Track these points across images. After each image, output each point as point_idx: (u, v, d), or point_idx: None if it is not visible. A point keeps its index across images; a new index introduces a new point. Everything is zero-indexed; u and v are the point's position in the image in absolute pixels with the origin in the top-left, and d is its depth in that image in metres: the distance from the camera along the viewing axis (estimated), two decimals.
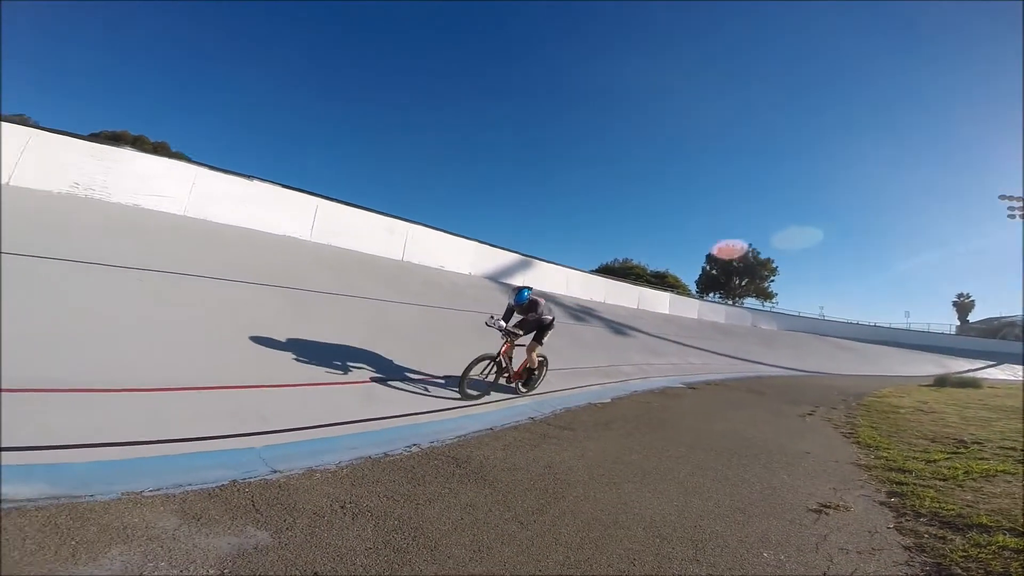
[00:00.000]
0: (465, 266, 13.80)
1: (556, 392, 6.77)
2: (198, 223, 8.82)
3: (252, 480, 2.99)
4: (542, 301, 6.33)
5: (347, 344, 6.11)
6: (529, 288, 6.28)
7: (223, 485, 2.87)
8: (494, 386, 6.00)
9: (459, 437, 4.34)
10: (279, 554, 2.32)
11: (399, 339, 6.89)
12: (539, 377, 6.70)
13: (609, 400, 6.87)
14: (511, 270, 15.29)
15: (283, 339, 5.58)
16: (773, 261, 47.67)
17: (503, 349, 6.00)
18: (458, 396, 5.49)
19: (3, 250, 4.97)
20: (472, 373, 5.58)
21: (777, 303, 44.36)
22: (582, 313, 14.90)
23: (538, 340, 6.34)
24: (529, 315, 6.19)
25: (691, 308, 24.05)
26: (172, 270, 6.35)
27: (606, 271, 38.07)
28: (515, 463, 3.94)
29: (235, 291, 6.57)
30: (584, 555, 2.71)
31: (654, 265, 46.17)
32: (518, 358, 6.26)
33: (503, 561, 2.55)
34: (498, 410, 5.48)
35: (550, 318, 6.38)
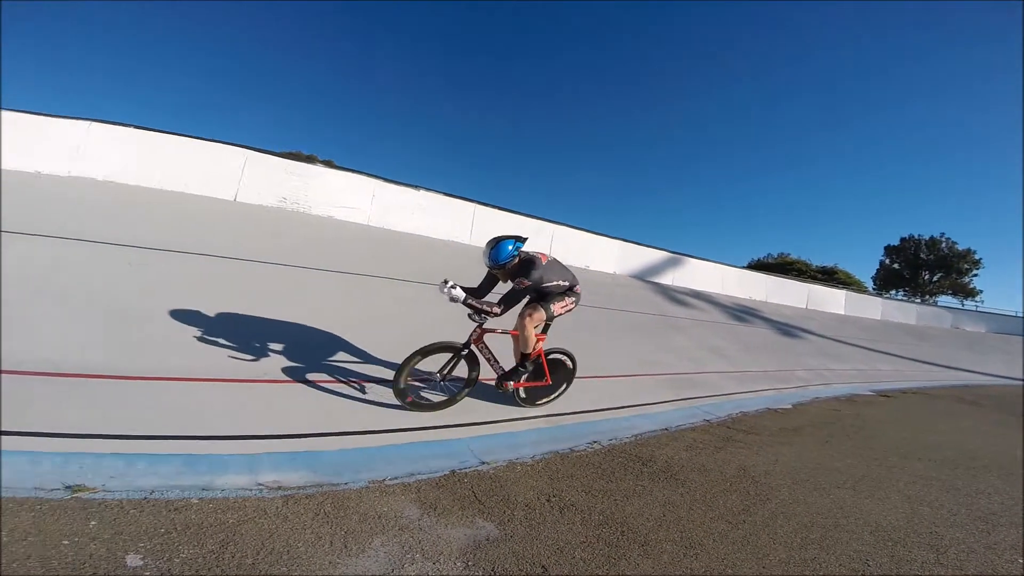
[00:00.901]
0: (611, 265, 13.54)
1: (727, 396, 6.24)
2: (382, 232, 9.69)
3: (467, 471, 3.10)
4: (543, 260, 4.03)
5: None
6: (517, 240, 3.90)
7: (445, 475, 3.00)
8: (469, 387, 4.06)
9: (635, 436, 4.20)
10: (508, 547, 2.38)
11: (558, 339, 6.79)
12: (553, 390, 4.52)
13: (790, 406, 6.19)
14: (658, 268, 14.68)
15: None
16: (975, 252, 39.91)
17: (473, 336, 3.99)
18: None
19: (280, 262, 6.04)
20: (419, 366, 3.80)
21: (982, 301, 37.12)
22: (743, 313, 13.78)
23: (535, 307, 4.05)
24: (518, 281, 3.88)
25: (872, 307, 20.92)
26: (380, 275, 6.98)
27: (761, 267, 34.95)
28: (703, 464, 3.78)
29: (412, 291, 6.99)
30: (809, 554, 2.67)
31: (817, 260, 41.13)
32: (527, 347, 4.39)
33: (720, 557, 2.53)
34: (664, 412, 5.16)
35: (564, 284, 4.15)
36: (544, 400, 4.48)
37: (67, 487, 2.20)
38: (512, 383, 4.14)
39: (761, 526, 2.91)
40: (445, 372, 3.92)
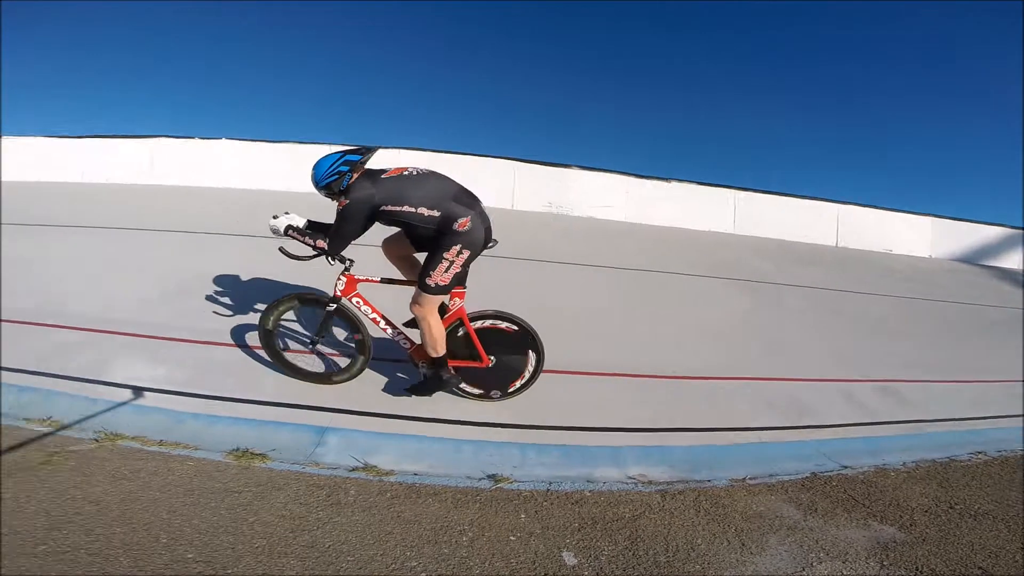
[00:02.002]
0: (923, 247, 11.06)
1: None
2: (641, 227, 9.78)
3: (830, 474, 2.86)
4: (395, 172, 2.84)
5: (830, 339, 5.20)
6: (352, 152, 2.81)
7: (807, 477, 2.80)
8: (364, 356, 3.15)
9: None
10: (925, 549, 2.27)
11: (903, 336, 5.57)
12: (507, 374, 3.19)
13: None
14: (996, 250, 11.44)
15: (780, 335, 5.18)
16: None
17: (338, 287, 3.01)
18: None
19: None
20: (281, 319, 3.14)
21: None
22: None
23: (427, 273, 2.77)
24: (339, 202, 2.76)
25: None
26: (669, 270, 6.94)
27: None
28: None
29: (704, 285, 6.65)
30: None
31: None
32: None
33: None
34: None
35: (428, 214, 2.72)
36: (516, 387, 3.21)
37: (489, 476, 2.60)
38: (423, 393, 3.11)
39: None
40: (317, 334, 3.10)
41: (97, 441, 2.60)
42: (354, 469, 2.55)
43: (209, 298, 4.24)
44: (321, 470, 2.52)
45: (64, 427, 2.74)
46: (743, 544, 2.19)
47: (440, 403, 3.16)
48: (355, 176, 2.78)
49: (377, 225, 2.88)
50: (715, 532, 2.28)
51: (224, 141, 10.83)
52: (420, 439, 2.87)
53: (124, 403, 3.00)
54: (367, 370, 3.26)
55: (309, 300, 3.17)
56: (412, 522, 2.22)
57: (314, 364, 3.37)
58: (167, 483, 2.32)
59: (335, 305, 3.01)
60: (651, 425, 3.22)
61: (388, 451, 2.73)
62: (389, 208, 2.73)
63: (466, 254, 2.76)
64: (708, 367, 4.04)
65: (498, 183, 10.27)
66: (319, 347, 3.27)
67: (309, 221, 3.02)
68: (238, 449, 2.61)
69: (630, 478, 2.68)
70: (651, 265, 6.97)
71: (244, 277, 4.64)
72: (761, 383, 3.92)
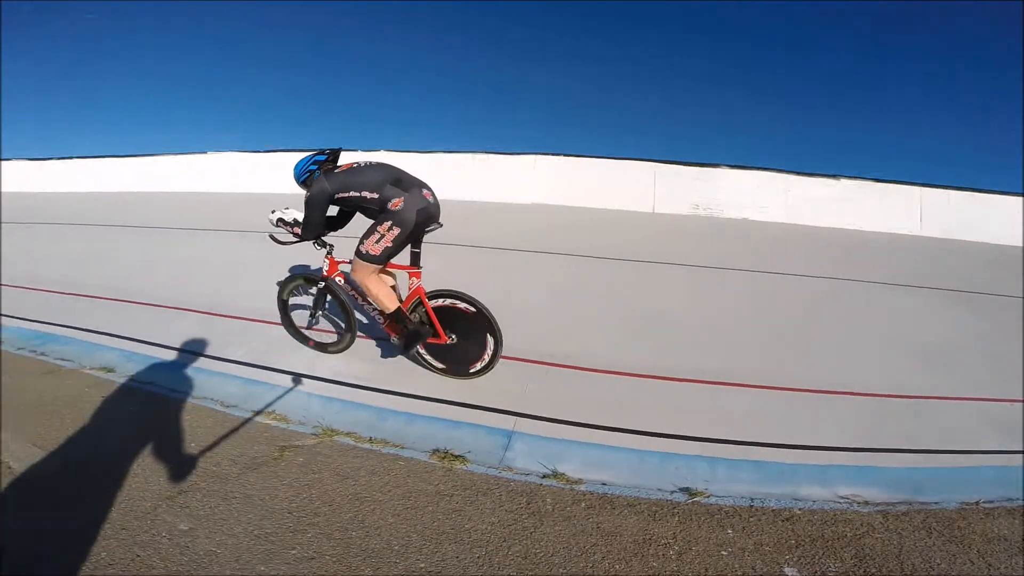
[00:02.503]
0: None
1: None
2: (803, 229, 8.99)
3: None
4: (346, 167, 3.20)
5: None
6: (320, 153, 3.25)
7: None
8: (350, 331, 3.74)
9: None
10: None
11: None
12: (468, 353, 3.37)
13: None
14: None
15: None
16: None
17: (325, 267, 3.51)
18: None
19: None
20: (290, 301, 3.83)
21: None
22: None
23: (361, 243, 3.11)
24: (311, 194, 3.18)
25: None
26: (846, 277, 6.27)
27: None
28: None
29: (896, 295, 5.74)
30: None
31: None
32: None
33: None
34: None
35: (368, 196, 3.08)
36: (476, 368, 3.40)
37: (682, 489, 2.54)
38: (405, 346, 3.31)
39: None
40: (315, 310, 3.65)
41: (316, 436, 2.89)
42: (545, 476, 2.60)
43: None
44: (515, 475, 2.60)
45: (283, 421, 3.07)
46: (989, 565, 2.00)
47: (621, 412, 3.15)
48: (326, 170, 3.22)
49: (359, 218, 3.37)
50: (954, 553, 2.08)
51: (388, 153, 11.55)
52: (601, 448, 2.86)
53: (332, 398, 3.33)
54: (574, 377, 3.51)
55: (309, 279, 3.71)
56: (613, 534, 2.22)
57: (321, 337, 4.00)
58: (386, 484, 2.50)
59: (324, 283, 3.54)
60: (858, 444, 2.95)
61: (572, 459, 2.75)
62: (340, 195, 3.14)
63: (396, 231, 3.03)
64: (916, 385, 3.64)
65: (636, 186, 10.03)
66: (322, 321, 3.93)
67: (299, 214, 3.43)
68: (439, 450, 2.76)
69: (842, 497, 2.47)
70: (821, 272, 6.37)
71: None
72: (981, 403, 3.45)
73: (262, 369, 3.70)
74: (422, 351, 3.49)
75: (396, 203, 3.02)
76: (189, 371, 3.72)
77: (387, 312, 3.27)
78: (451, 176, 10.60)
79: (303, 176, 3.27)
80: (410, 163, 10.81)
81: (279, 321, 3.99)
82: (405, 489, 2.47)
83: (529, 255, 6.79)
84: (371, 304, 3.37)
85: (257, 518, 2.24)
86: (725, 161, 9.91)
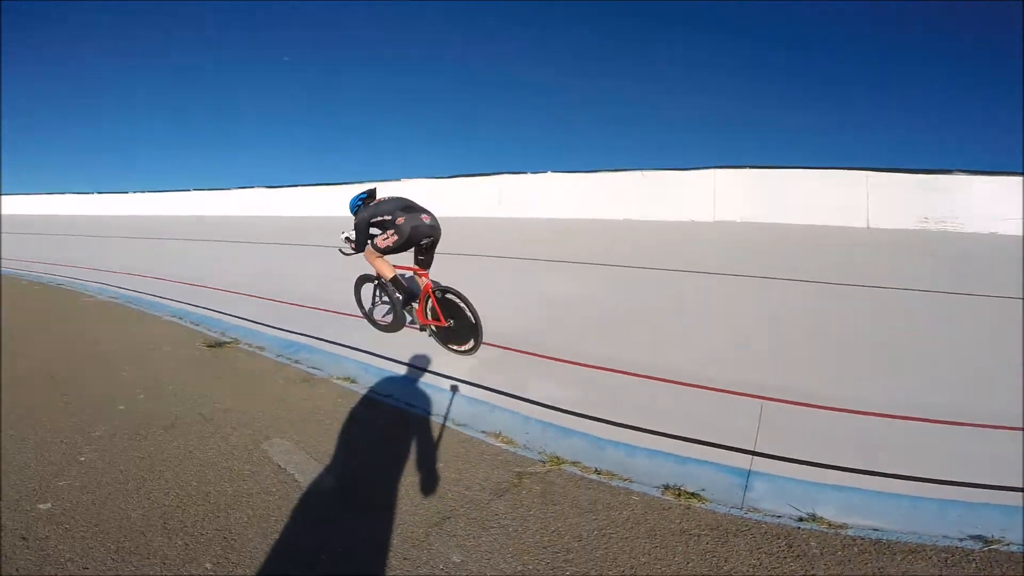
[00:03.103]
0: None
1: None
2: None
3: None
4: (377, 200, 4.92)
5: None
6: (363, 193, 4.99)
7: None
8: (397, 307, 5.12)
9: None
10: None
11: None
12: (457, 336, 4.62)
13: None
14: None
15: None
16: None
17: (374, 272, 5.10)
18: None
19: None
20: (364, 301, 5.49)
21: None
22: None
23: (374, 239, 4.76)
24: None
25: None
26: None
27: None
28: None
29: None
30: None
31: None
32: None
33: None
34: None
35: (386, 217, 4.65)
36: (455, 347, 4.66)
37: (974, 537, 2.22)
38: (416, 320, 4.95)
39: None
40: (372, 302, 5.33)
41: (543, 464, 2.98)
42: (801, 519, 2.42)
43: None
44: (764, 517, 2.46)
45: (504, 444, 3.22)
46: None
47: (883, 454, 2.85)
48: (366, 204, 4.85)
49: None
50: None
51: (552, 174, 11.99)
52: (859, 491, 2.60)
53: (549, 423, 3.44)
54: (817, 416, 3.35)
55: (371, 278, 5.19)
56: None
57: (384, 320, 5.41)
58: (627, 520, 2.48)
59: (377, 281, 5.10)
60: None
61: (825, 502, 2.53)
62: (374, 219, 4.68)
63: (395, 236, 4.51)
64: None
65: (843, 198, 9.08)
66: (378, 308, 5.36)
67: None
68: (672, 486, 2.70)
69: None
70: None
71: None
72: None
73: (479, 388, 3.96)
74: (425, 322, 4.77)
75: (399, 220, 4.52)
76: (419, 386, 4.13)
77: (386, 278, 4.79)
78: (619, 194, 10.55)
79: (353, 208, 4.90)
80: (575, 183, 11.23)
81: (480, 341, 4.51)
82: (648, 527, 2.44)
83: (735, 280, 6.47)
84: (391, 287, 4.85)
85: (517, 551, 2.30)
86: (957, 166, 8.44)
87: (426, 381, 4.20)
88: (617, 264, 7.90)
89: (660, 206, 10.48)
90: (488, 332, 4.48)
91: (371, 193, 4.95)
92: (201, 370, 4.71)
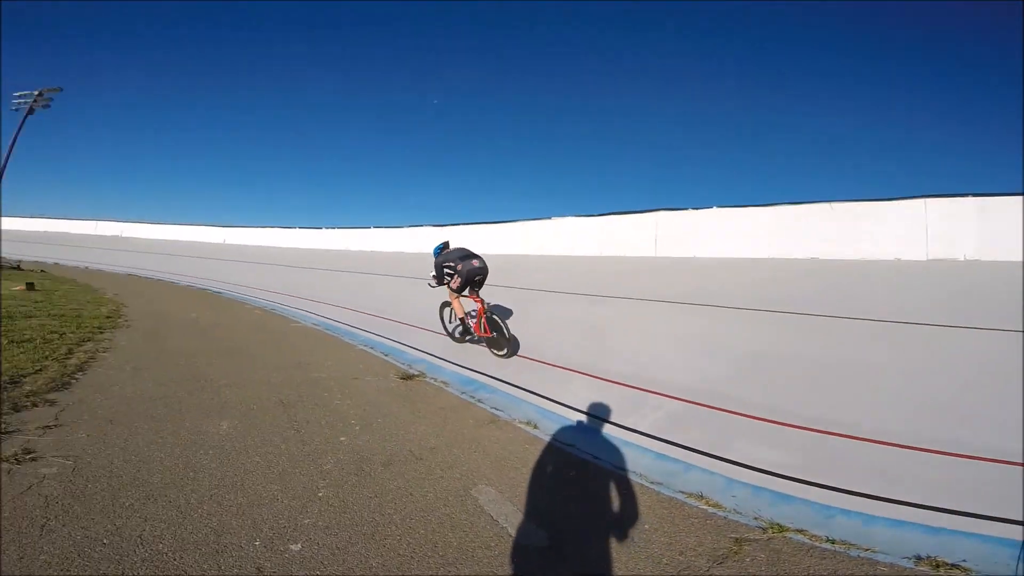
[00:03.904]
0: None
1: None
2: None
3: None
4: (447, 249, 7.24)
5: None
6: (440, 244, 7.43)
7: None
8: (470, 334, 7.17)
9: None
10: None
11: None
12: (496, 343, 6.74)
13: None
14: None
15: None
16: None
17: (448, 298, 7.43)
18: None
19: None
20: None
21: None
22: None
23: (448, 281, 7.01)
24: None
25: None
26: None
27: None
28: None
29: None
30: None
31: None
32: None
33: None
34: None
35: (451, 264, 6.92)
36: (496, 352, 6.71)
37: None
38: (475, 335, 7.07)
39: None
40: (450, 320, 7.53)
41: (763, 531, 2.75)
42: None
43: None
44: None
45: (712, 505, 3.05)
46: None
47: None
48: (442, 252, 7.15)
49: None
50: None
51: (718, 209, 11.61)
52: None
53: (761, 487, 3.21)
54: None
55: (447, 304, 7.31)
56: None
57: (456, 334, 7.40)
58: None
59: (451, 308, 7.21)
60: None
61: None
62: (445, 264, 6.92)
63: (458, 280, 6.70)
64: None
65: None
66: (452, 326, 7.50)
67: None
68: (927, 557, 2.41)
69: None
70: None
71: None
72: None
73: (668, 443, 3.84)
74: (478, 335, 6.79)
75: (459, 267, 6.71)
76: (603, 436, 4.12)
77: (458, 315, 7.01)
78: (802, 230, 9.79)
79: (435, 254, 7.16)
80: (750, 217, 10.31)
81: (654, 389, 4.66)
82: None
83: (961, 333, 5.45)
84: (458, 317, 7.08)
85: None
86: None
87: (608, 432, 4.17)
88: (804, 312, 6.74)
89: (855, 243, 9.31)
90: (670, 383, 4.45)
91: (446, 244, 7.34)
92: (400, 403, 5.00)
